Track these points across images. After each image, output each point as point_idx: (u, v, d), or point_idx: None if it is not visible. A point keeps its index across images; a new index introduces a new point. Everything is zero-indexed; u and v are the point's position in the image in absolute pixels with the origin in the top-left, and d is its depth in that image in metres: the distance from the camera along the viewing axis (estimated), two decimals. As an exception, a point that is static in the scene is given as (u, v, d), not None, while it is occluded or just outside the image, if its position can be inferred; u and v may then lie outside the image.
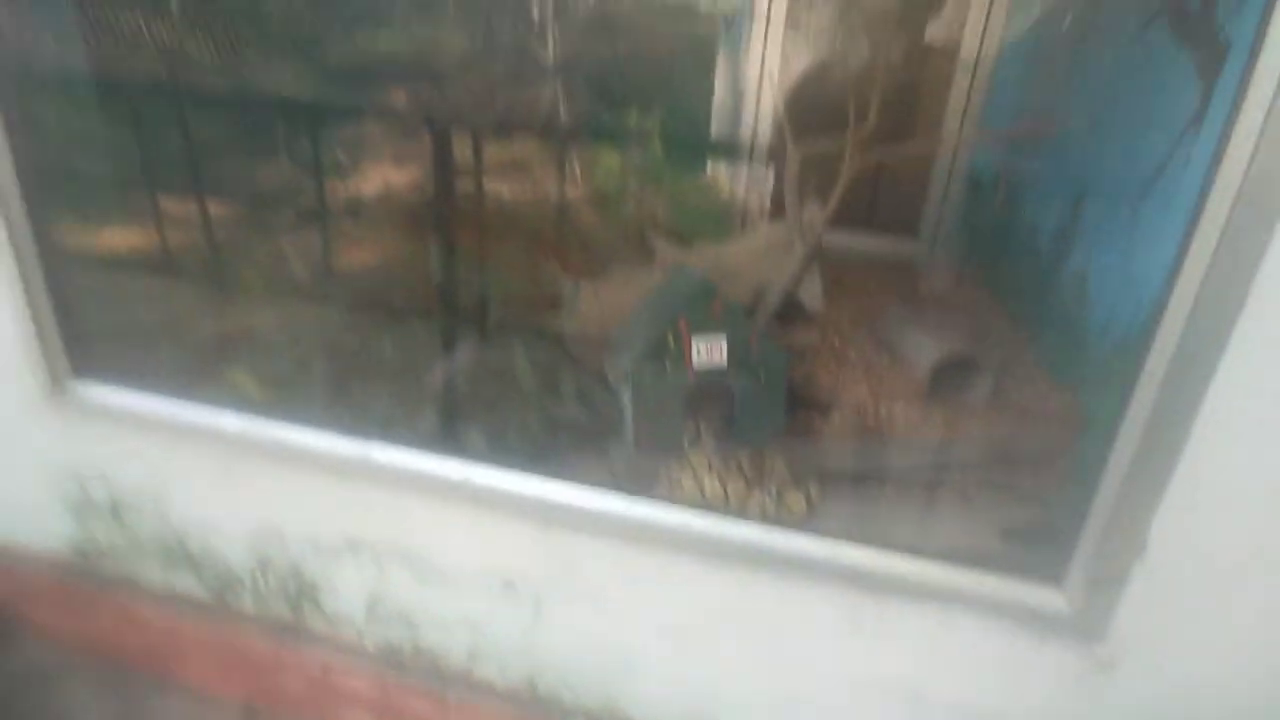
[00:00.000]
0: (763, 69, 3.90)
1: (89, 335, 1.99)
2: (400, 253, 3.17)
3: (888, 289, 3.17)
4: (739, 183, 3.65)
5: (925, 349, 2.45)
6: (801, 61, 3.74)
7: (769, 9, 3.84)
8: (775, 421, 2.04)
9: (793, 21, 3.81)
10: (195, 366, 2.27)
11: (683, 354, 1.94)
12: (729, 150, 3.61)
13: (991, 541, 1.73)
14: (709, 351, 1.92)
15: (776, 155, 2.97)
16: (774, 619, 1.62)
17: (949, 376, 2.41)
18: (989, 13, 3.36)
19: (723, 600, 1.62)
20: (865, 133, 2.33)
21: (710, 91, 3.98)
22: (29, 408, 1.99)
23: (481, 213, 3.34)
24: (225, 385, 2.13)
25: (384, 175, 3.99)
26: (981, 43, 3.37)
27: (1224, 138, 1.09)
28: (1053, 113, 2.98)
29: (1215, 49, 1.81)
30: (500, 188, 3.56)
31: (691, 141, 3.60)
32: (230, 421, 1.86)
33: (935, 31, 3.72)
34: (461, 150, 3.18)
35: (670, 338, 1.94)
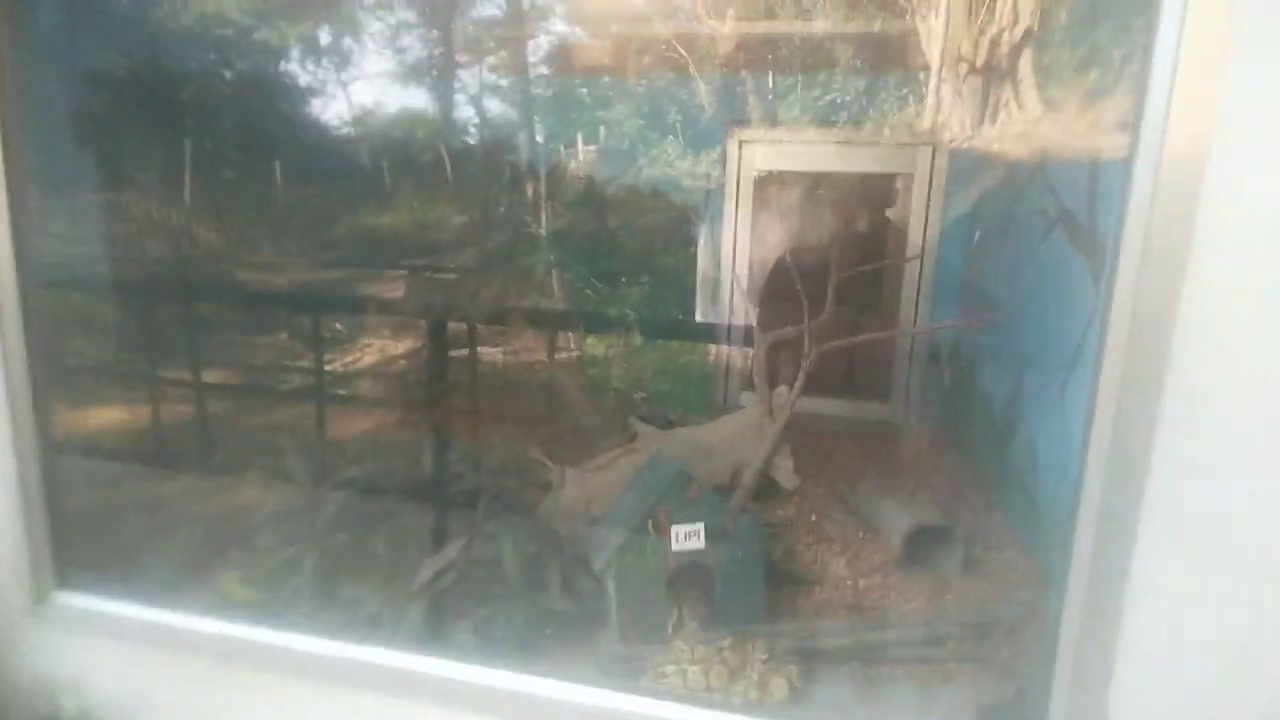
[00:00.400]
0: (734, 250, 4.28)
1: (77, 540, 2.01)
2: (394, 438, 3.28)
3: (864, 456, 3.30)
4: (720, 362, 3.90)
5: (897, 519, 2.54)
6: (768, 246, 4.10)
7: (737, 192, 4.28)
8: (757, 601, 2.08)
9: (760, 203, 4.23)
10: (184, 568, 2.28)
11: (662, 540, 2.01)
12: (707, 333, 3.88)
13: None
14: (687, 536, 2.00)
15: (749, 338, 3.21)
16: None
17: (922, 545, 2.49)
18: (926, 211, 3.82)
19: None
20: (823, 323, 2.57)
21: (693, 268, 4.32)
22: (8, 622, 1.97)
23: (473, 399, 3.50)
24: (213, 589, 2.14)
25: (382, 361, 4.18)
26: (924, 235, 3.79)
27: (1103, 324, 1.27)
28: (990, 298, 3.30)
29: (1100, 254, 2.07)
30: (492, 374, 3.75)
31: (671, 327, 3.87)
32: (212, 629, 1.86)
33: (886, 226, 4.17)
34: (457, 337, 3.38)
35: (650, 525, 2.02)
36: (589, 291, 4.39)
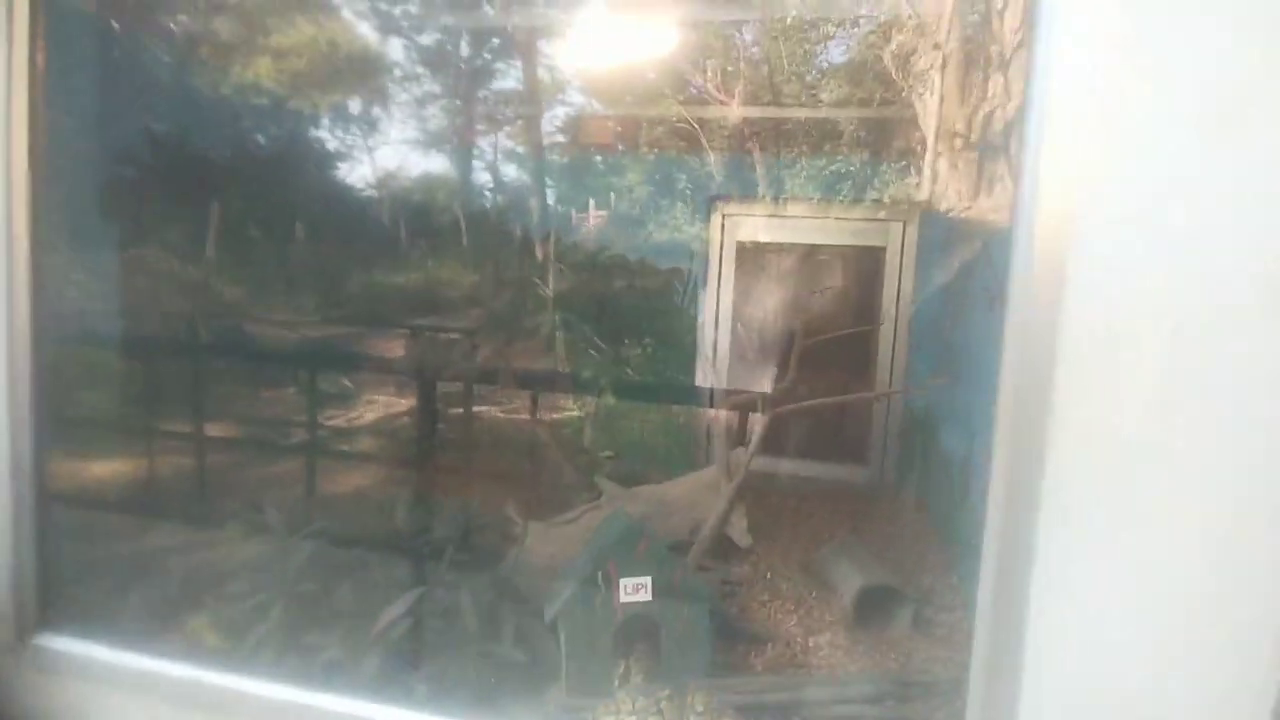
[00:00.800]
0: (716, 317, 4.46)
1: (60, 582, 2.12)
2: (377, 492, 3.41)
3: (831, 517, 3.39)
4: (696, 423, 4.04)
5: (850, 579, 2.62)
6: (743, 314, 4.28)
7: (720, 263, 4.48)
8: (702, 655, 2.16)
9: (740, 273, 4.42)
10: (161, 614, 2.38)
11: (611, 594, 2.11)
12: (685, 395, 4.02)
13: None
14: (634, 589, 2.09)
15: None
16: None
17: (874, 605, 2.56)
18: (899, 281, 4.01)
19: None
20: (783, 389, 2.70)
21: (687, 332, 4.50)
22: (-9, 662, 2.07)
23: (458, 456, 3.64)
24: (185, 634, 2.24)
25: (383, 418, 4.33)
26: (896, 305, 3.98)
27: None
28: (956, 364, 3.43)
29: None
30: (480, 431, 3.90)
31: (649, 389, 4.02)
32: (180, 673, 1.96)
33: (864, 296, 4.35)
34: (452, 395, 3.53)
35: (599, 578, 2.12)
36: (592, 352, 4.55)
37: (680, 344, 4.60)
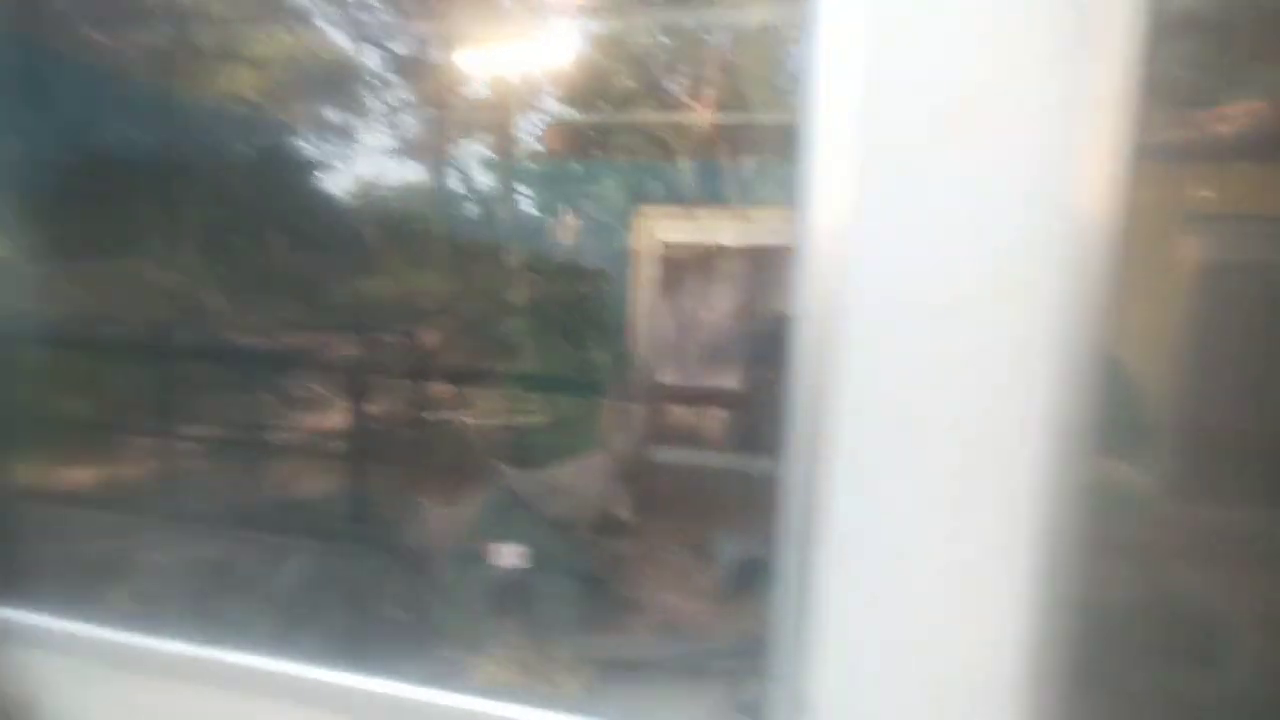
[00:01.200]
0: (637, 315, 4.70)
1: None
2: (307, 486, 3.61)
3: (731, 500, 3.63)
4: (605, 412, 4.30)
5: (729, 552, 2.87)
6: (660, 312, 4.53)
7: (642, 263, 4.73)
8: (572, 615, 2.39)
9: (662, 273, 4.66)
10: (84, 586, 2.57)
11: (490, 560, 2.34)
12: (591, 387, 4.25)
13: (732, 714, 2.04)
14: (511, 557, 2.32)
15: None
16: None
17: (752, 576, 2.80)
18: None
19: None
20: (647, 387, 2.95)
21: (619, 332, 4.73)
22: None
23: (391, 451, 3.85)
24: (105, 603, 2.43)
25: (330, 419, 4.51)
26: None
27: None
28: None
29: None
30: (413, 429, 4.10)
31: (548, 381, 4.25)
32: (96, 635, 2.15)
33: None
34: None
35: (482, 548, 2.35)
36: (550, 352, 4.75)
37: (617, 342, 4.84)
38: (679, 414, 4.29)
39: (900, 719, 1.65)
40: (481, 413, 4.23)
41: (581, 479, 3.03)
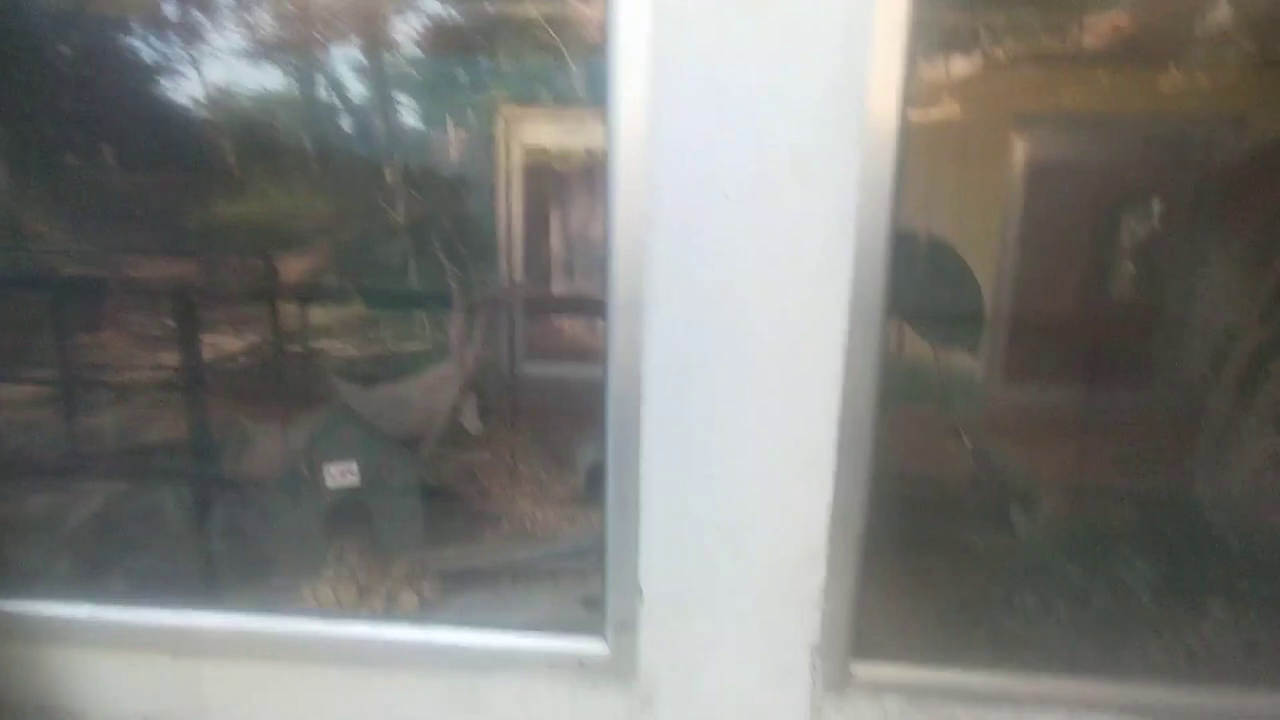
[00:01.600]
0: (505, 223, 4.48)
1: None
2: (134, 420, 3.27)
3: (577, 407, 3.61)
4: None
5: (581, 456, 2.87)
6: (521, 219, 4.35)
7: (507, 168, 4.47)
8: (412, 531, 2.33)
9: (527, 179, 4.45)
10: None
11: (319, 480, 2.21)
12: (432, 300, 4.07)
13: (577, 611, 2.07)
14: (341, 475, 2.20)
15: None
16: (389, 711, 1.85)
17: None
18: None
19: (346, 697, 1.83)
20: (509, 290, 2.84)
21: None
22: None
23: (221, 380, 3.54)
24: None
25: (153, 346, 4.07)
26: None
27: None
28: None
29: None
30: (247, 356, 3.78)
31: (393, 296, 4.04)
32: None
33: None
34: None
35: (309, 468, 2.21)
36: (410, 268, 4.44)
37: (477, 254, 4.61)
38: (545, 324, 4.19)
39: (724, 593, 1.72)
40: (332, 333, 3.97)
41: (427, 393, 2.90)
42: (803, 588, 1.70)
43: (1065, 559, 2.36)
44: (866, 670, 1.75)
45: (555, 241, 4.25)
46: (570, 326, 4.12)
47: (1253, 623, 2.04)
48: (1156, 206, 4.55)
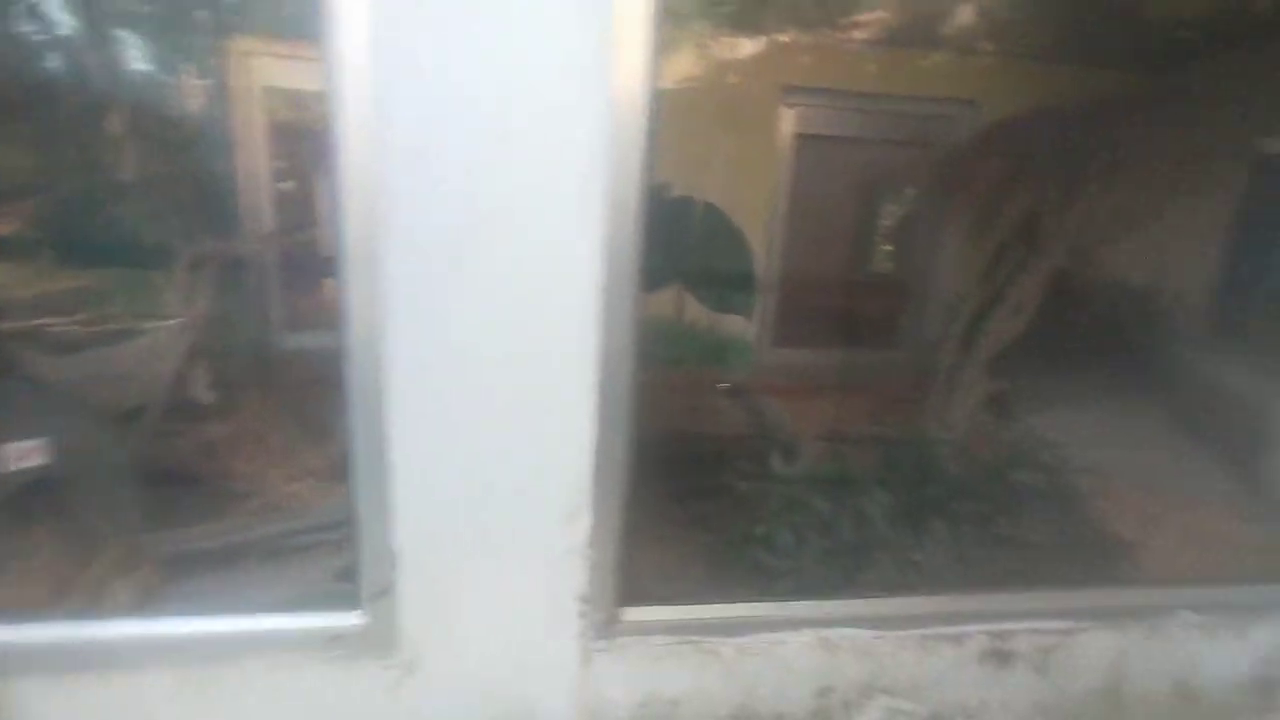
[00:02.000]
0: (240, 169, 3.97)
1: None
2: None
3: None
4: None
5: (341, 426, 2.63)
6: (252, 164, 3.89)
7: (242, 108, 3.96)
8: (124, 513, 2.01)
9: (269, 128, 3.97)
10: None
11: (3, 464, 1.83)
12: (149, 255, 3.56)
13: (329, 584, 1.91)
14: (22, 456, 1.84)
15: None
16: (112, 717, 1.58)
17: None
18: None
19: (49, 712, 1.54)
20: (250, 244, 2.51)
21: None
22: None
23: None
24: None
25: None
26: None
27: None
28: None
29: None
30: None
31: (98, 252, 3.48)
32: None
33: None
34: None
35: (-12, 448, 1.83)
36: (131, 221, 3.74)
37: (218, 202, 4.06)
38: (312, 289, 3.80)
39: (487, 552, 1.65)
40: (23, 296, 3.30)
41: (143, 360, 2.49)
42: (568, 540, 1.67)
43: (818, 498, 2.56)
44: (635, 614, 1.77)
45: (307, 193, 3.86)
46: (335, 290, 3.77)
47: (963, 535, 2.34)
48: (904, 180, 5.11)
